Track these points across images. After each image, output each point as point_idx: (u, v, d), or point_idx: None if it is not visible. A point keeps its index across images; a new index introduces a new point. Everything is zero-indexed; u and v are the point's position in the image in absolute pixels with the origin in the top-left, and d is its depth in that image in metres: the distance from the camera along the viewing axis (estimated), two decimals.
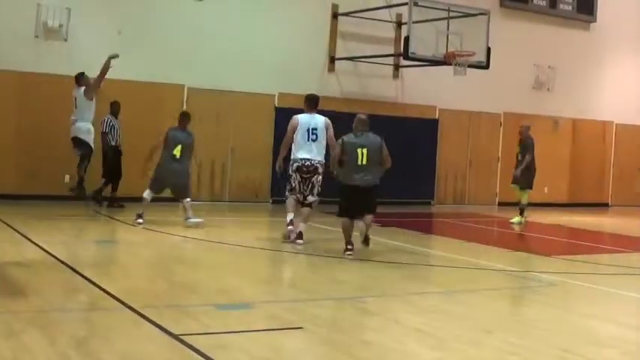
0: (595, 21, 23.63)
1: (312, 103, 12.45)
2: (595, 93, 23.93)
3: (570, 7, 23.20)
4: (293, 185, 12.13)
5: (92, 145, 15.02)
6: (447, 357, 6.31)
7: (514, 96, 22.20)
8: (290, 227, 12.03)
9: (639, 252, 13.80)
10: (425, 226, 16.20)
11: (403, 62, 19.16)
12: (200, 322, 6.92)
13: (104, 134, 15.87)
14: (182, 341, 6.17)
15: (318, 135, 12.08)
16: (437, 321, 7.52)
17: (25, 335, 6.17)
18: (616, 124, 24.35)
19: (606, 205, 23.94)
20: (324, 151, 12.09)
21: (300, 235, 11.91)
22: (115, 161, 15.98)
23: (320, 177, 12.09)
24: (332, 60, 19.43)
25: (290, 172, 12.14)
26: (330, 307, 7.97)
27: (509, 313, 8.28)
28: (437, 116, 20.94)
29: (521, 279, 10.51)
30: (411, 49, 17.17)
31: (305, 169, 12.03)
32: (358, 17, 19.29)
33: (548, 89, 22.90)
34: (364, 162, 11.01)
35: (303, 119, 12.22)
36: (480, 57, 17.94)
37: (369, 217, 11.29)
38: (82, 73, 15.12)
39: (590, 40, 23.68)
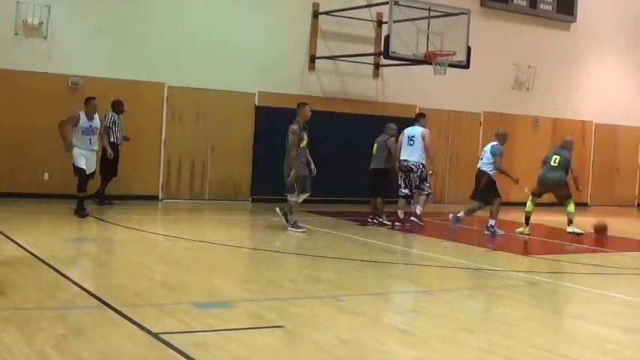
0: (575, 21, 23.76)
1: (416, 117, 15.93)
2: (575, 93, 24.06)
3: (550, 7, 23.32)
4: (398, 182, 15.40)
5: (80, 167, 14.18)
6: (427, 356, 6.32)
7: (494, 95, 22.28)
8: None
9: (619, 251, 13.88)
10: (402, 224, 16.21)
11: (383, 61, 19.18)
12: (180, 321, 6.90)
13: (107, 129, 15.76)
14: (162, 340, 6.15)
15: (415, 141, 15.01)
16: (417, 320, 7.54)
17: (4, 334, 6.12)
18: (595, 124, 24.49)
19: (585, 204, 24.06)
20: (418, 154, 15.03)
21: (413, 215, 15.28)
22: (111, 159, 15.76)
23: (415, 174, 15.05)
24: (312, 59, 19.43)
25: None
26: (311, 306, 7.96)
27: (490, 312, 8.31)
28: None
29: (501, 278, 10.54)
30: (392, 49, 17.20)
31: (403, 168, 15.16)
32: (339, 16, 19.30)
33: (527, 89, 23.01)
34: (373, 153, 15.35)
35: (406, 130, 15.31)
36: (460, 56, 17.99)
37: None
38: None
39: (570, 40, 23.80)
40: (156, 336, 6.26)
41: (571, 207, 15.07)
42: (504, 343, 6.75)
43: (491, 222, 14.80)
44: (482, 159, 15.09)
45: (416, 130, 15.22)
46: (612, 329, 7.73)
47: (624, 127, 25.03)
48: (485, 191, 14.82)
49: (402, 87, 20.58)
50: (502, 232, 14.81)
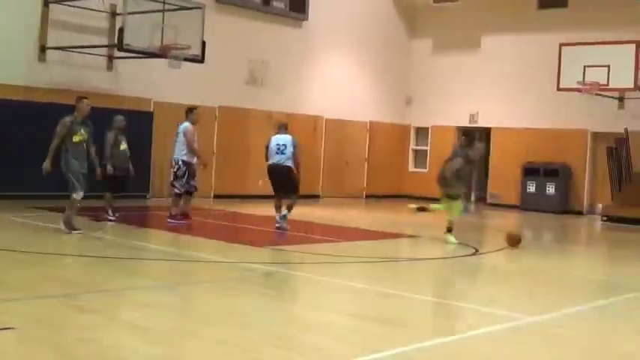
0: (307, 19, 24.56)
1: (185, 112, 15.88)
2: (307, 89, 24.90)
3: (283, 5, 23.97)
4: None
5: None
6: (164, 351, 6.31)
7: (229, 90, 22.55)
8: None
9: (347, 241, 14.54)
10: (140, 219, 16.07)
11: (118, 54, 18.83)
12: None
13: None
14: None
15: (179, 137, 15.22)
16: (154, 315, 7.51)
17: None
18: (325, 119, 25.45)
19: (317, 196, 24.97)
20: (179, 150, 15.16)
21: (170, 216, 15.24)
22: None
23: (172, 170, 15.25)
24: (43, 49, 18.67)
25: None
26: (44, 306, 7.69)
27: (227, 304, 8.41)
28: (152, 109, 20.74)
29: (237, 270, 10.71)
30: (126, 41, 16.98)
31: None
32: (71, 5, 18.69)
33: (261, 84, 23.50)
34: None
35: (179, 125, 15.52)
36: (195, 50, 18.12)
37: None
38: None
39: (302, 38, 24.59)
40: None
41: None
42: (240, 334, 6.88)
43: (284, 212, 15.03)
44: (282, 154, 14.94)
45: (182, 126, 15.37)
46: (341, 315, 8.10)
47: (352, 122, 26.22)
48: (294, 185, 15.13)
49: (138, 80, 20.29)
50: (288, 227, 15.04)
